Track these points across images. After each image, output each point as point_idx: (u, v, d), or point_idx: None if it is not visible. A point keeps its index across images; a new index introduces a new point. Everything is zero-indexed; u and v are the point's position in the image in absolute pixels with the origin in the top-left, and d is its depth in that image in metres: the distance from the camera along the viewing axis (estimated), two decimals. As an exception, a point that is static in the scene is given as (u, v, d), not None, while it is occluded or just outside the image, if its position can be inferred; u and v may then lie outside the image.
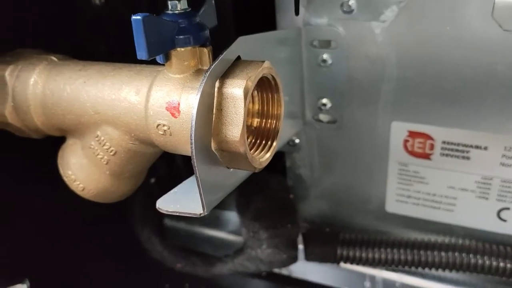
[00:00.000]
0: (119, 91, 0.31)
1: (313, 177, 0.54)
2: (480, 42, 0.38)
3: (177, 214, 0.30)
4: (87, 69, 0.33)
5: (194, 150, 0.26)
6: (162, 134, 0.30)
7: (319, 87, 0.46)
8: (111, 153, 0.33)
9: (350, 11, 0.41)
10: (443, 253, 0.47)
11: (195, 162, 0.26)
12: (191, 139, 0.26)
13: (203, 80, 0.26)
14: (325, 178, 0.53)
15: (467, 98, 0.41)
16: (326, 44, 0.44)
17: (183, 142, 0.30)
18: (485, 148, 0.43)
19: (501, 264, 0.46)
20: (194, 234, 0.61)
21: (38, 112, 0.34)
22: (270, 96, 0.31)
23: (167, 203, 0.30)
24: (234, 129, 0.27)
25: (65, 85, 0.33)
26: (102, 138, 0.33)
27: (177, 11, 0.29)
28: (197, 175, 0.27)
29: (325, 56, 0.44)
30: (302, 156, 0.52)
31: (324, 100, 0.47)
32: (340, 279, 0.55)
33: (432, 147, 0.45)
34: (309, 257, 0.52)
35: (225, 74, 0.28)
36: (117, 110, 0.31)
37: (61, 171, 0.36)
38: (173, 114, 0.29)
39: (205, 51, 0.29)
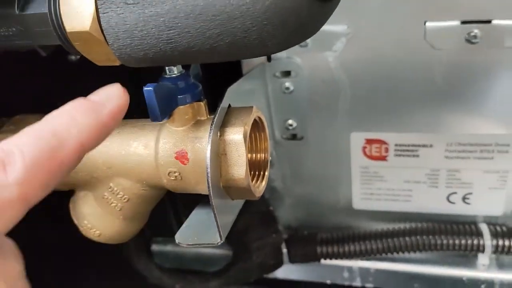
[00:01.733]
0: (128, 146, 0.36)
1: (286, 188, 0.60)
2: (417, 61, 0.46)
3: (197, 246, 0.35)
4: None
5: (211, 190, 0.31)
6: (174, 179, 0.35)
7: (285, 110, 0.53)
8: (125, 201, 0.37)
9: (305, 45, 0.48)
10: (407, 238, 0.55)
11: (212, 199, 0.31)
12: (207, 181, 0.31)
13: (210, 131, 0.31)
14: (297, 187, 0.59)
15: (411, 107, 0.49)
16: (287, 74, 0.50)
17: (193, 184, 0.35)
18: (431, 146, 0.51)
19: (456, 241, 0.54)
20: (183, 255, 0.65)
21: None
22: (258, 134, 0.37)
23: (184, 237, 0.35)
24: (240, 169, 0.33)
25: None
26: (115, 188, 0.37)
27: (174, 75, 0.34)
28: (214, 210, 0.32)
29: (287, 84, 0.51)
30: (274, 171, 0.58)
31: (290, 121, 0.53)
32: (321, 274, 0.62)
33: (387, 150, 0.53)
34: (293, 260, 0.58)
35: (223, 123, 0.33)
36: (129, 164, 0.36)
37: (76, 221, 0.40)
38: (182, 162, 0.34)
39: (202, 104, 0.34)
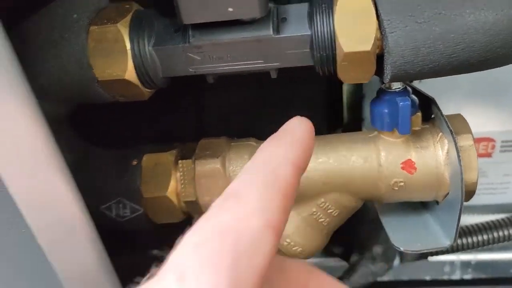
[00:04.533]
0: (346, 161, 0.36)
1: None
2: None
3: (424, 251, 0.36)
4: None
5: (463, 195, 0.33)
6: (396, 189, 0.36)
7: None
8: (334, 215, 0.38)
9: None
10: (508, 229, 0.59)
11: (461, 204, 0.33)
12: (461, 186, 0.32)
13: (453, 138, 0.33)
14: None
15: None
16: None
17: (415, 191, 0.36)
18: (537, 140, 0.55)
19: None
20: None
21: None
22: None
23: (408, 245, 0.36)
24: (472, 173, 0.34)
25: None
26: (327, 203, 0.37)
27: (398, 89, 0.35)
28: (460, 215, 0.33)
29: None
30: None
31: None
32: (423, 271, 0.65)
33: (493, 147, 0.57)
34: (405, 260, 0.60)
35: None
36: (346, 177, 0.36)
37: (279, 245, 0.39)
38: (409, 172, 0.35)
39: (419, 115, 0.36)
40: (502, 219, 0.60)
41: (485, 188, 0.60)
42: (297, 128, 0.25)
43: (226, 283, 0.18)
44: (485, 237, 0.59)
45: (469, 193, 0.35)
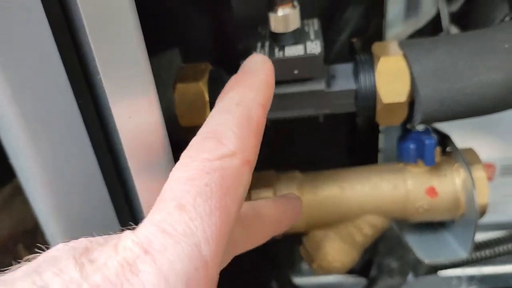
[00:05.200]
0: (379, 189, 0.44)
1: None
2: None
3: (443, 262, 0.43)
4: (338, 177, 0.45)
5: (477, 214, 0.40)
6: (421, 212, 0.43)
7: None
8: (368, 234, 0.45)
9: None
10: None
11: (476, 221, 0.40)
12: (474, 206, 0.40)
13: (468, 169, 0.41)
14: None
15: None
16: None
17: (437, 213, 0.43)
18: (531, 165, 0.63)
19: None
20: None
21: (301, 219, 0.44)
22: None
23: (431, 258, 0.44)
24: (482, 198, 0.42)
25: (325, 195, 0.44)
26: (362, 225, 0.45)
27: (421, 130, 0.43)
28: (475, 229, 0.41)
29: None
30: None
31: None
32: (431, 285, 0.71)
33: (494, 171, 0.64)
34: (416, 275, 0.68)
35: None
36: (380, 203, 0.44)
37: (319, 261, 0.46)
38: (431, 196, 0.43)
39: (438, 149, 0.43)
40: (503, 236, 0.67)
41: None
42: (262, 69, 0.28)
43: (219, 211, 0.21)
44: (487, 252, 0.67)
45: (482, 213, 0.43)
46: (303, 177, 0.46)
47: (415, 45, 0.38)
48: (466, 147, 0.45)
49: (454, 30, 0.50)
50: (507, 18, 0.39)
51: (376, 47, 0.39)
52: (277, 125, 0.38)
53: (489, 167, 0.64)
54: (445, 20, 0.47)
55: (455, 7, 0.46)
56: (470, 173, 0.41)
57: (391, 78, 0.37)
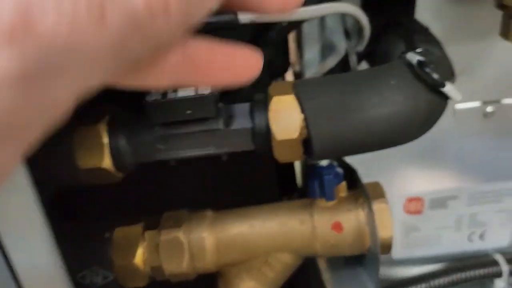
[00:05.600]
0: (286, 225, 0.44)
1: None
2: (448, 133, 0.60)
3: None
4: (248, 214, 0.45)
5: (379, 250, 0.41)
6: (328, 247, 0.44)
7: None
8: (279, 271, 0.45)
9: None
10: (440, 279, 0.67)
11: (380, 257, 0.41)
12: (377, 243, 0.40)
13: (369, 204, 0.41)
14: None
15: (442, 166, 0.63)
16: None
17: (347, 247, 0.44)
18: (457, 197, 0.65)
19: (479, 272, 0.67)
20: None
21: (212, 258, 0.44)
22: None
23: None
24: (386, 230, 0.43)
25: (235, 233, 0.44)
26: (273, 262, 0.45)
27: (325, 164, 0.44)
28: (378, 265, 0.41)
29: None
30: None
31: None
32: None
33: (423, 205, 0.66)
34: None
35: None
36: (287, 239, 0.44)
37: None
38: (337, 231, 0.43)
39: (344, 184, 0.44)
40: (438, 270, 0.68)
41: (420, 241, 0.69)
42: None
43: None
44: (423, 286, 0.67)
45: (386, 247, 0.43)
46: (214, 215, 0.46)
47: (309, 84, 0.39)
48: (373, 181, 0.46)
49: (364, 67, 0.53)
50: (402, 55, 0.41)
51: (272, 87, 0.40)
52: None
53: (418, 200, 0.66)
54: (352, 59, 0.48)
55: (360, 47, 0.48)
56: (371, 207, 0.42)
57: (283, 116, 0.38)
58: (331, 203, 0.44)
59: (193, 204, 0.46)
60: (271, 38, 0.46)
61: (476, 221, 0.67)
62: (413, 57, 0.38)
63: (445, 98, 0.39)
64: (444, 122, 0.57)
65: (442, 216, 0.66)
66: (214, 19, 0.29)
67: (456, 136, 0.61)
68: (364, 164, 0.48)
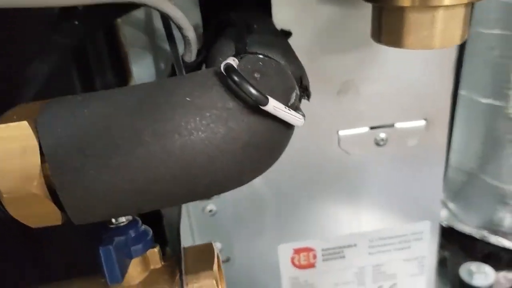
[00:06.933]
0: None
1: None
2: (335, 166, 0.48)
3: None
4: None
5: None
6: None
7: (209, 234, 0.50)
8: None
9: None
10: None
11: None
12: None
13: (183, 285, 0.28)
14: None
15: (333, 210, 0.50)
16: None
17: None
18: (355, 245, 0.52)
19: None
20: None
21: None
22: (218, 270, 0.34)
23: None
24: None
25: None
26: None
27: (122, 223, 0.29)
28: None
29: (209, 206, 0.48)
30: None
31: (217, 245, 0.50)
32: None
33: (314, 256, 0.53)
34: None
35: (187, 268, 0.30)
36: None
37: None
38: (142, 325, 0.29)
39: (155, 251, 0.30)
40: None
41: (317, 300, 0.55)
42: None
43: None
44: None
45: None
46: None
47: (61, 104, 0.25)
48: (206, 243, 0.32)
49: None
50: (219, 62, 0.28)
51: (17, 109, 0.26)
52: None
53: (308, 251, 0.52)
54: (179, 70, 0.35)
55: (188, 57, 0.35)
56: (182, 285, 0.28)
57: (13, 159, 0.23)
58: (136, 282, 0.30)
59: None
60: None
61: (382, 273, 0.54)
62: (227, 65, 0.25)
63: (284, 122, 0.26)
64: (328, 151, 0.46)
65: (339, 269, 0.53)
66: None
67: (344, 167, 0.48)
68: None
